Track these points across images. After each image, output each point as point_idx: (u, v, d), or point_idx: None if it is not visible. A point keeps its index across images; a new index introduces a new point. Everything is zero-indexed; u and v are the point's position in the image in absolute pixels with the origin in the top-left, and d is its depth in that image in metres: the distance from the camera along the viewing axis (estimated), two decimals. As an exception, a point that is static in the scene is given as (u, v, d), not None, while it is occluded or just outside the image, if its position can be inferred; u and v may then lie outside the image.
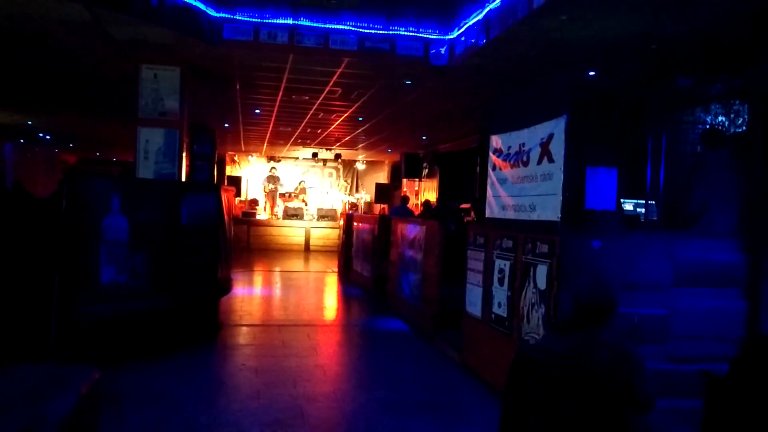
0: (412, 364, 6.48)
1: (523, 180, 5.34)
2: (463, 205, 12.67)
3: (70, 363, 4.69)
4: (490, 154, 6.15)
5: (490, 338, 5.51)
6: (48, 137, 19.12)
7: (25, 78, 10.57)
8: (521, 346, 2.88)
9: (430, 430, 4.53)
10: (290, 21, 8.27)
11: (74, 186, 5.80)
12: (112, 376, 4.72)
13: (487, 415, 4.69)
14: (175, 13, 7.46)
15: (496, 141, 6.03)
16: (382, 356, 6.74)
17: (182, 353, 6.21)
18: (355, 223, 12.67)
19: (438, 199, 15.81)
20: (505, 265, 5.25)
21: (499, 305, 5.32)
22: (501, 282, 5.30)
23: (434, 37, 8.60)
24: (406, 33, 8.55)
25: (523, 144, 5.38)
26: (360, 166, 23.63)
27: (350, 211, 17.47)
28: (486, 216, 6.15)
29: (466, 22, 7.94)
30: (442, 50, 8.55)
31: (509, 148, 5.71)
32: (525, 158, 5.32)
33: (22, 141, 19.47)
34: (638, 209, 6.04)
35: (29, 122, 16.24)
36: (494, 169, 6.03)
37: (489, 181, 6.15)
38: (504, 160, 5.81)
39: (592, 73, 8.35)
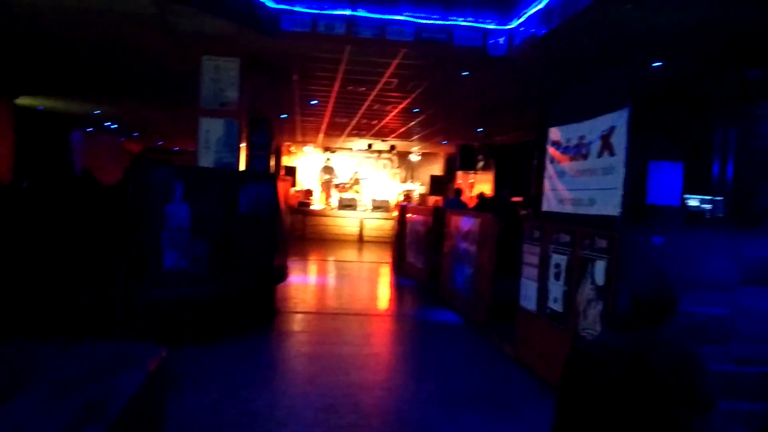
0: (465, 356, 6.46)
1: (583, 173, 5.23)
2: (516, 198, 12.45)
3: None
4: (548, 146, 6.04)
5: (545, 333, 5.43)
6: (114, 126, 19.85)
7: (92, 69, 10.99)
8: (577, 343, 2.84)
9: (482, 423, 4.51)
10: (348, 12, 8.30)
11: (139, 174, 6.03)
12: (172, 358, 4.89)
13: (540, 410, 4.64)
14: (235, 5, 7.61)
15: (554, 133, 5.92)
16: (435, 348, 6.75)
17: (239, 338, 6.39)
18: (408, 215, 12.68)
19: (495, 192, 15.58)
20: (561, 259, 5.16)
21: (555, 300, 5.24)
22: (557, 277, 5.22)
23: (493, 27, 8.46)
24: (463, 23, 8.44)
25: (583, 136, 5.26)
26: (414, 157, 23.56)
27: (404, 203, 17.46)
28: (543, 209, 6.05)
29: (526, 12, 7.79)
30: (501, 40, 8.42)
31: (568, 140, 5.60)
32: (585, 151, 5.21)
33: (89, 130, 20.25)
34: (704, 205, 5.81)
35: (96, 111, 16.89)
36: (552, 162, 5.92)
37: (546, 174, 6.05)
38: (563, 152, 5.70)
39: (656, 64, 8.06)
